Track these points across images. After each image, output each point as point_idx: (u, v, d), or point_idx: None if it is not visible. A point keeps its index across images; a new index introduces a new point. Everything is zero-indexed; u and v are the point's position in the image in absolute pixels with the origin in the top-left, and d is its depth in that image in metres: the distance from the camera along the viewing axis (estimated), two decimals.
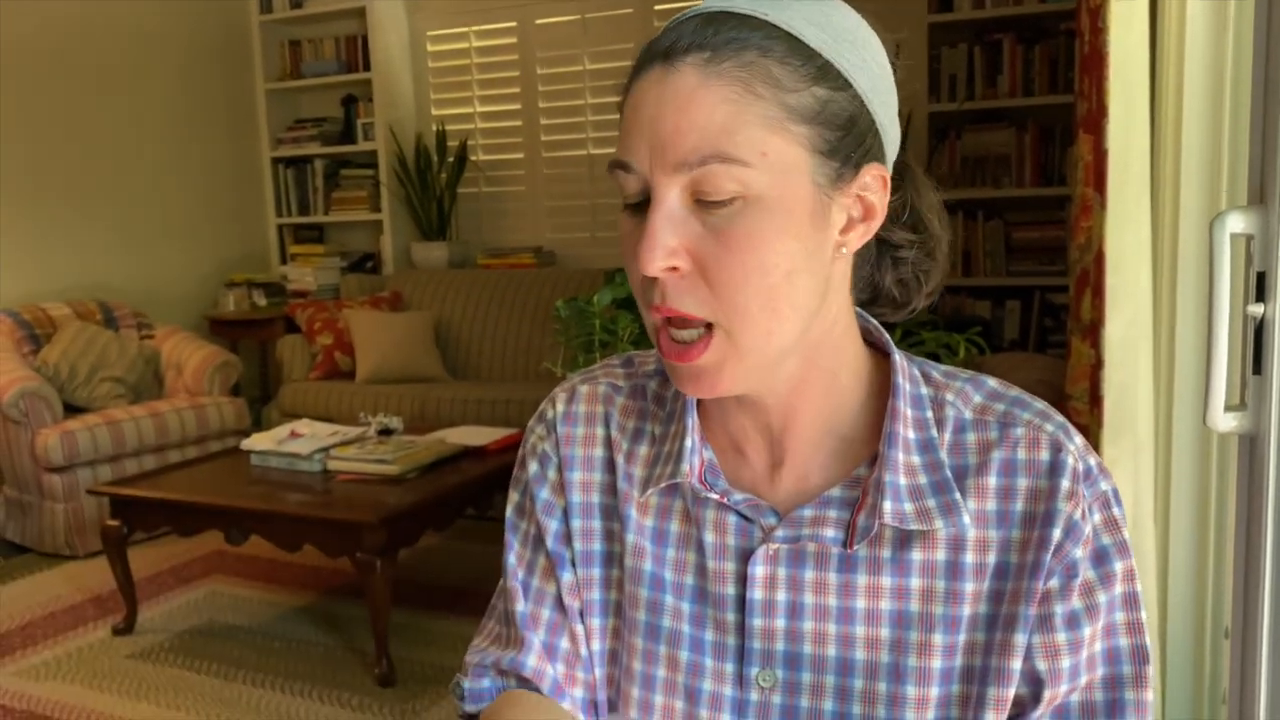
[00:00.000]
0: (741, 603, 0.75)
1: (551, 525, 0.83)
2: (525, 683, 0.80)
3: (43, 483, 3.68)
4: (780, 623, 0.74)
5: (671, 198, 0.66)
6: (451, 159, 5.10)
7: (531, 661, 0.80)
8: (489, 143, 5.20)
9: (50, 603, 3.36)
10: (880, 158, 0.70)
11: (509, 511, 0.87)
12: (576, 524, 0.82)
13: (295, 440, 3.21)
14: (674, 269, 0.66)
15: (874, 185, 0.70)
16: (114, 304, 4.41)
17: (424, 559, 3.65)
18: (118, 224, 4.73)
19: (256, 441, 3.25)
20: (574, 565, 0.82)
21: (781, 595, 0.74)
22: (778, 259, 0.66)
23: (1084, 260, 1.64)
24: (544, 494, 0.83)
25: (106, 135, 4.66)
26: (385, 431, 3.40)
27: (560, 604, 0.82)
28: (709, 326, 0.68)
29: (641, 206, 0.68)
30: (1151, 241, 1.55)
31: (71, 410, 3.89)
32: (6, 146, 4.24)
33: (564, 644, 0.81)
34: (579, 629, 0.81)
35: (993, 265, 4.19)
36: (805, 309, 0.69)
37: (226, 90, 5.24)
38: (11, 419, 3.66)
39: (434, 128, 5.16)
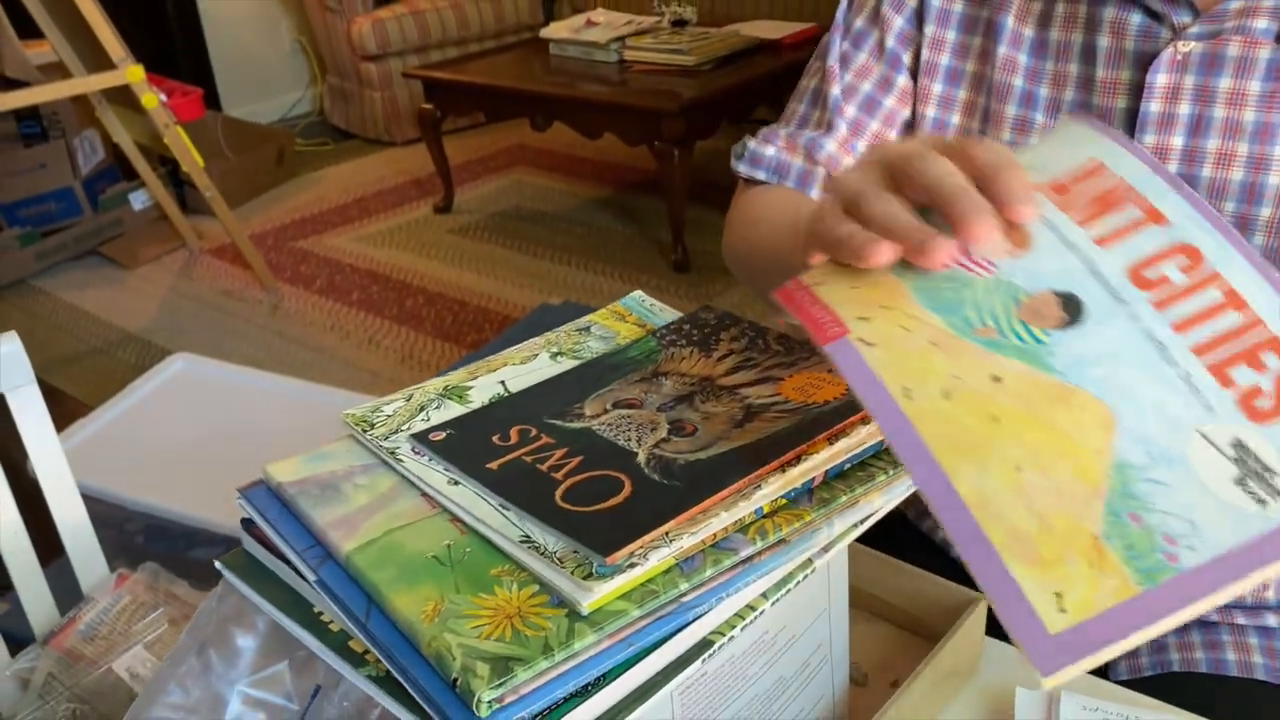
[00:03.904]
0: (1133, 118, 0.65)
1: (896, 21, 0.76)
2: (812, 168, 0.77)
3: (360, 70, 3.89)
4: (1178, 140, 0.64)
5: None
6: None
7: (831, 147, 0.77)
8: None
9: (376, 182, 3.66)
10: None
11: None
12: (930, 30, 0.74)
13: (591, 29, 3.18)
14: None
15: None
16: None
17: (718, 158, 3.64)
18: None
19: (554, 30, 3.25)
20: (912, 72, 0.76)
21: (1185, 108, 0.63)
22: None
23: None
24: None
25: None
26: (679, 22, 3.30)
27: (868, 103, 0.77)
28: None
29: None
30: None
31: (380, 1, 4.00)
32: None
33: (860, 145, 0.78)
34: (891, 134, 0.78)
35: None
36: None
37: None
38: (328, 7, 3.82)
39: None
